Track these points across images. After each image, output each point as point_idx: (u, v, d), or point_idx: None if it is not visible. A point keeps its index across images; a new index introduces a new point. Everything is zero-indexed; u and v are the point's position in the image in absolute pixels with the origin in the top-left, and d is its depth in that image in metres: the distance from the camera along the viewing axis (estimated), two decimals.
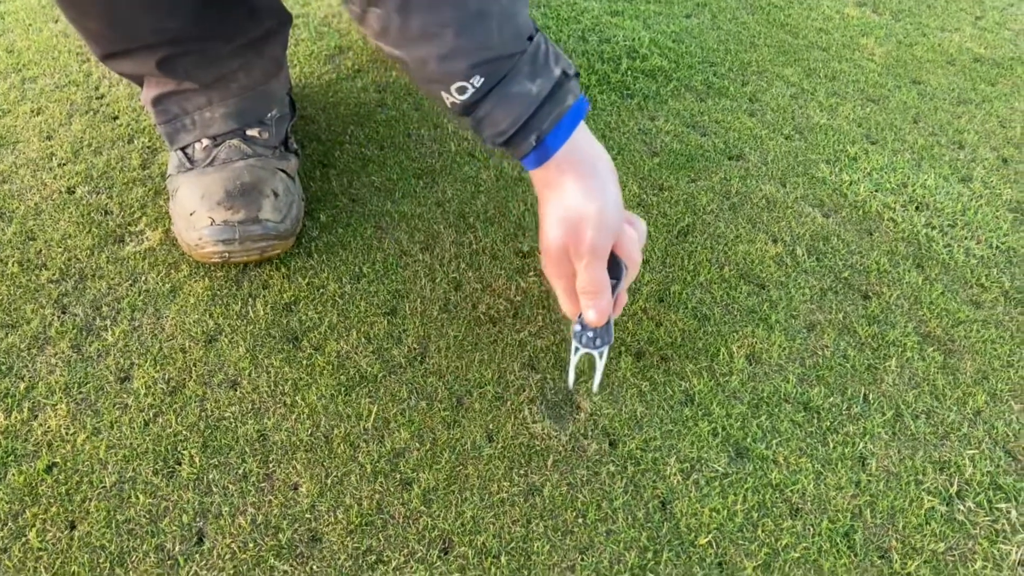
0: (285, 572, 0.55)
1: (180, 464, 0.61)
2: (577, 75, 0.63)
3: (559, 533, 0.58)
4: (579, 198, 0.60)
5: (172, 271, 0.77)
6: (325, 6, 1.26)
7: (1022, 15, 1.35)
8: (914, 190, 0.92)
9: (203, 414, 0.65)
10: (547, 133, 0.60)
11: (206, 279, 0.76)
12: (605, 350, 0.65)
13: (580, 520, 0.59)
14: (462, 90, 0.58)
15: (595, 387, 0.68)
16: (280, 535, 0.57)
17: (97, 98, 1.02)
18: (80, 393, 0.66)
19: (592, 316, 0.63)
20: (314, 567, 0.56)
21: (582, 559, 0.57)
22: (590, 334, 0.65)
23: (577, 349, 0.66)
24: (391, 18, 0.56)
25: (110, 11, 0.71)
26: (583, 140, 0.62)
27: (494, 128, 0.60)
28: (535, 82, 0.59)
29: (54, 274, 0.76)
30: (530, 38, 0.60)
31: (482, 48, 0.57)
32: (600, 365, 0.66)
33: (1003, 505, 0.61)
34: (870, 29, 1.27)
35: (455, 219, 0.85)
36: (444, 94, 0.59)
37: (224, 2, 0.75)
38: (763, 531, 0.59)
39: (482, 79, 0.58)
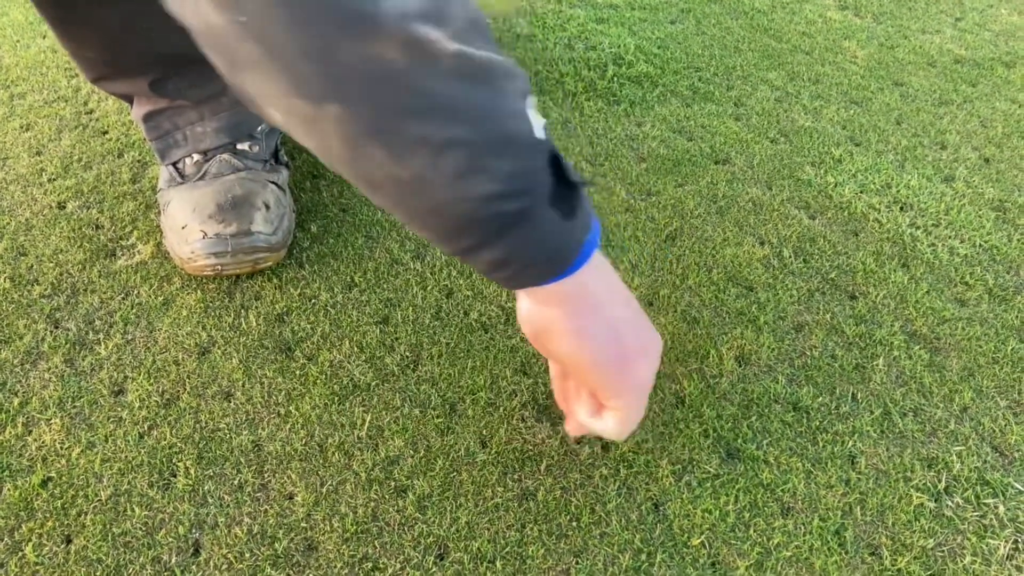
0: None
1: (175, 476, 0.62)
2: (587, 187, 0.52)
3: (553, 537, 0.59)
4: (634, 324, 0.52)
5: (164, 284, 0.77)
6: None
7: (1001, 16, 1.37)
8: (898, 191, 0.93)
9: (197, 426, 0.65)
10: (572, 265, 0.49)
11: (198, 291, 0.77)
12: None
13: (574, 524, 0.60)
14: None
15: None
16: (276, 544, 0.58)
17: (86, 113, 1.03)
18: (74, 407, 0.66)
19: (612, 436, 0.56)
20: None
21: (577, 562, 0.57)
22: None
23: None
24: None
25: (108, 41, 0.72)
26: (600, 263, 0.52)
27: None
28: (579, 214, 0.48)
29: (46, 289, 0.77)
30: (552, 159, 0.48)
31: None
32: None
33: (991, 500, 0.62)
34: (852, 32, 1.29)
35: None
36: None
37: None
38: (755, 531, 0.59)
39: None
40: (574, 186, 0.47)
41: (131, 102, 0.81)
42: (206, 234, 0.74)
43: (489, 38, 0.42)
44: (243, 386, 0.68)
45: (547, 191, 0.44)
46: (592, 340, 0.50)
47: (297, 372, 0.70)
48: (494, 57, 0.41)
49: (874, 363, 0.72)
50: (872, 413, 0.68)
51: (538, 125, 0.44)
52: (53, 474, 0.61)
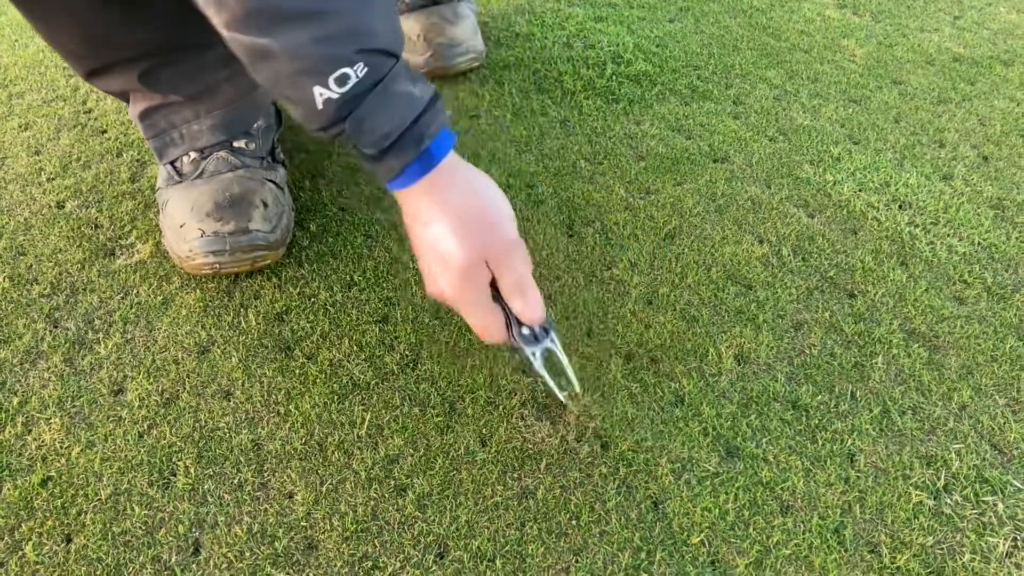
0: None
1: (175, 475, 0.62)
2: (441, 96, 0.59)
3: (553, 535, 0.59)
4: (480, 196, 0.57)
5: (163, 283, 0.77)
6: None
7: (1000, 14, 1.37)
8: (897, 189, 0.93)
9: (197, 425, 0.65)
10: (432, 139, 0.55)
11: (197, 291, 0.77)
12: (555, 336, 0.63)
13: (574, 522, 0.60)
14: (343, 80, 0.51)
15: (575, 382, 0.66)
16: (276, 543, 0.58)
17: (85, 112, 1.03)
18: (74, 407, 0.66)
19: (536, 310, 0.59)
20: (310, 574, 0.56)
21: (576, 561, 0.57)
22: (536, 330, 0.62)
23: (534, 355, 0.63)
24: None
25: (82, 27, 0.71)
26: (456, 155, 0.58)
27: (378, 131, 0.54)
28: (416, 86, 0.55)
29: (45, 288, 0.77)
30: (401, 50, 0.55)
31: (368, 34, 0.51)
32: (562, 355, 0.64)
33: (989, 498, 0.62)
34: (851, 31, 1.29)
35: None
36: (318, 89, 0.52)
37: (198, 10, 0.76)
38: (754, 529, 0.60)
39: (366, 69, 0.52)
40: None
41: (127, 101, 0.81)
42: (204, 232, 0.74)
43: None
44: (243, 385, 0.68)
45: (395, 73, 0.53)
46: (495, 186, 0.58)
47: (297, 371, 0.70)
48: None
49: (873, 361, 0.72)
50: (871, 411, 0.68)
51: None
52: (53, 473, 0.61)
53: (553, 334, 0.63)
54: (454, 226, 0.56)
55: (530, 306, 0.59)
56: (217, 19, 0.52)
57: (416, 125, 0.54)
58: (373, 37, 0.52)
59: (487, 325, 0.61)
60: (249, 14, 0.50)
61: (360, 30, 0.51)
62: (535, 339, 0.62)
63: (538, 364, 0.63)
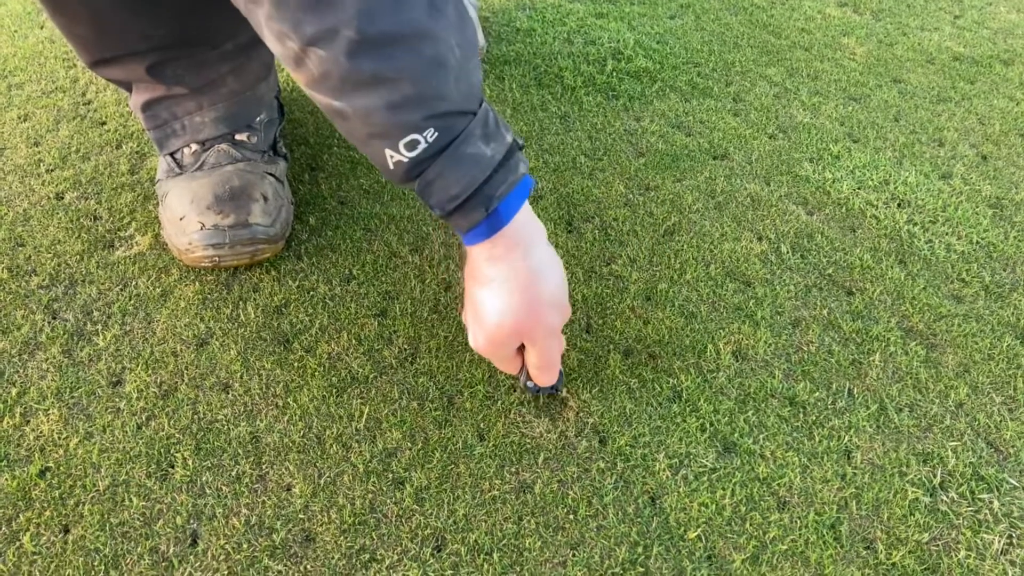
0: (279, 572, 0.56)
1: (173, 467, 0.62)
2: (523, 147, 0.59)
3: (550, 529, 0.59)
4: (534, 274, 0.57)
5: (162, 275, 0.77)
6: None
7: (1000, 14, 1.37)
8: (896, 187, 0.93)
9: (195, 417, 0.65)
10: (501, 200, 0.55)
11: (196, 283, 0.77)
12: (561, 387, 0.67)
13: (571, 516, 0.60)
14: (413, 145, 0.52)
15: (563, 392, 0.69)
16: (274, 535, 0.58)
17: (84, 104, 1.02)
18: (72, 398, 0.66)
19: (550, 381, 0.64)
20: (308, 567, 0.56)
21: (573, 555, 0.58)
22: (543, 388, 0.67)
23: (537, 396, 0.68)
24: (337, 62, 0.50)
25: (99, 17, 0.72)
26: (530, 214, 0.58)
27: (445, 192, 0.54)
28: (489, 145, 0.55)
29: (44, 280, 0.77)
30: (481, 102, 0.56)
31: (438, 99, 0.52)
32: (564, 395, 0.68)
33: (985, 496, 0.62)
34: (851, 29, 1.29)
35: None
36: (389, 152, 0.53)
37: (212, 7, 0.75)
38: (751, 524, 0.60)
39: (436, 134, 0.52)
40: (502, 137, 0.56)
41: (129, 90, 0.81)
42: (204, 225, 0.74)
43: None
44: (241, 378, 0.69)
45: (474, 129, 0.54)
46: (555, 268, 0.59)
47: (295, 364, 0.70)
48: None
49: (870, 359, 0.73)
50: (868, 408, 0.68)
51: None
52: (51, 464, 0.62)
53: (560, 385, 0.67)
54: (501, 297, 0.57)
55: (544, 379, 0.64)
56: (297, 77, 0.53)
57: (485, 186, 0.54)
58: (443, 101, 0.52)
59: (503, 368, 0.66)
60: (326, 77, 0.51)
61: (430, 95, 0.51)
62: (539, 389, 0.67)
63: (530, 395, 0.68)
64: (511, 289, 0.57)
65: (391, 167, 0.54)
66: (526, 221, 0.58)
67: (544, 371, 0.63)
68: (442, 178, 0.54)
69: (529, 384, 0.66)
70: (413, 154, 0.53)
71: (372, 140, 0.53)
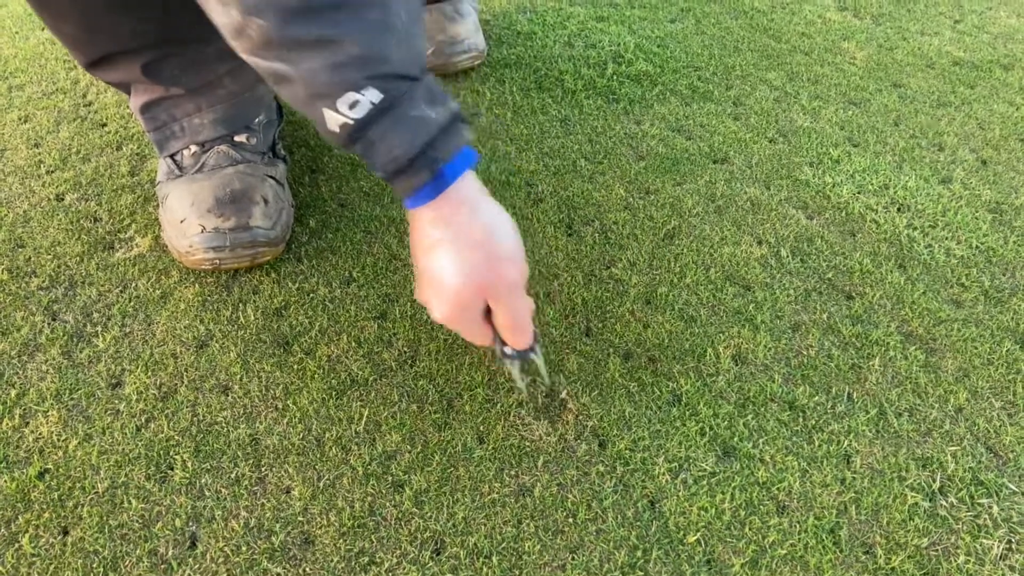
0: (278, 575, 0.56)
1: (172, 469, 0.62)
2: (468, 121, 0.59)
3: (550, 533, 0.59)
4: (487, 229, 0.56)
5: (162, 277, 0.77)
6: None
7: (1000, 19, 1.37)
8: (896, 192, 0.93)
9: (195, 419, 0.65)
10: (446, 163, 0.55)
11: (196, 285, 0.77)
12: (539, 349, 0.64)
13: (570, 520, 0.60)
14: (355, 105, 0.52)
15: (548, 380, 0.68)
16: (273, 538, 0.58)
17: (85, 105, 1.02)
18: (71, 399, 0.66)
19: (523, 342, 0.61)
20: (307, 569, 0.56)
21: (572, 558, 0.58)
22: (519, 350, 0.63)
23: (513, 364, 0.64)
24: (279, 27, 0.50)
25: (86, 14, 0.71)
26: (475, 179, 0.58)
27: (388, 154, 0.54)
28: (434, 109, 0.55)
29: (44, 281, 0.77)
30: (423, 70, 0.56)
31: (381, 61, 0.52)
32: (541, 364, 0.65)
33: (985, 500, 0.62)
34: (851, 33, 1.29)
35: None
36: (331, 112, 0.53)
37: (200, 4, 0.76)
38: (750, 528, 0.60)
39: (380, 95, 0.53)
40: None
41: (128, 92, 0.81)
42: (205, 228, 0.74)
43: None
44: (241, 380, 0.69)
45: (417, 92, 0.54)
46: (510, 224, 0.57)
47: (295, 366, 0.70)
48: None
49: (870, 363, 0.73)
50: (867, 413, 0.68)
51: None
52: (50, 466, 0.61)
53: (537, 348, 0.64)
54: (454, 257, 0.56)
55: (518, 340, 0.61)
56: (238, 47, 0.54)
57: (429, 149, 0.54)
58: (386, 64, 0.52)
59: (474, 339, 0.63)
60: (269, 43, 0.52)
61: (373, 57, 0.52)
62: (518, 354, 0.63)
63: (516, 373, 0.65)
64: (464, 246, 0.56)
65: (335, 129, 0.54)
66: (471, 183, 0.57)
67: (516, 331, 0.60)
68: (385, 140, 0.54)
69: (506, 350, 0.63)
70: (354, 114, 0.53)
71: (314, 100, 0.53)
